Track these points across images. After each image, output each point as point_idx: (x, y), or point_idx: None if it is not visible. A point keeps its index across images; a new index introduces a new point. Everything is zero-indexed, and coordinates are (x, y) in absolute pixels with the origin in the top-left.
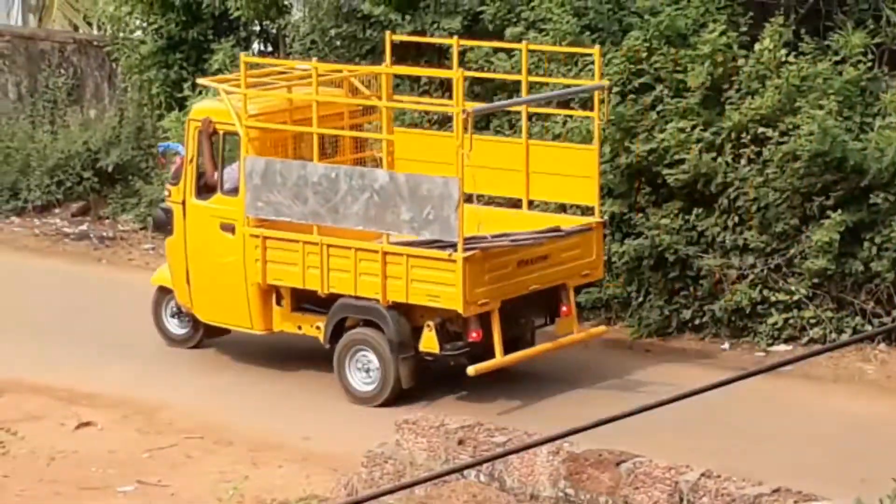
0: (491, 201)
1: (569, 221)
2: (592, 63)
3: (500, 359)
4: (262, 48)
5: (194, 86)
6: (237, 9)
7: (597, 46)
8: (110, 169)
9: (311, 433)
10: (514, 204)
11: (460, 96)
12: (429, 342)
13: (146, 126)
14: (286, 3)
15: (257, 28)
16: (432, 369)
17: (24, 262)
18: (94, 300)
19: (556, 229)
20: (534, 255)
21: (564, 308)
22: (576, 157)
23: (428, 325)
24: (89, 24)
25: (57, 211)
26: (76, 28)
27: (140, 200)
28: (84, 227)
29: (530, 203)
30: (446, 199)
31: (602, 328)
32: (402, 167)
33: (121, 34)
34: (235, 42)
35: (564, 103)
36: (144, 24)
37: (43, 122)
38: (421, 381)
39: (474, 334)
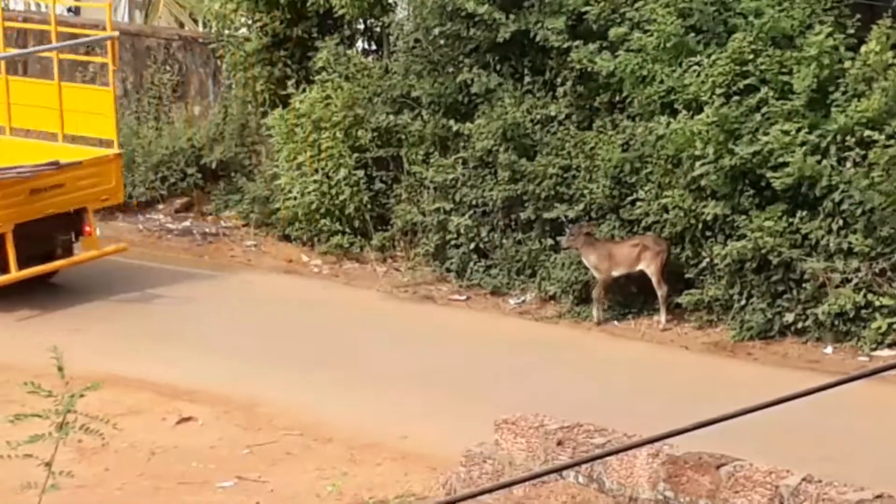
0: (30, 134)
1: (90, 153)
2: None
3: (14, 274)
4: (367, 46)
5: (298, 83)
6: (342, 6)
7: None
8: (214, 165)
9: (409, 432)
10: (52, 137)
11: None
12: None
13: (250, 123)
14: (390, 1)
15: (361, 26)
16: None
17: (128, 257)
18: (198, 295)
19: (55, 163)
20: (47, 184)
21: (87, 228)
22: (96, 98)
23: None
24: (195, 22)
25: (160, 207)
26: (182, 25)
27: (243, 197)
28: (187, 223)
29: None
30: None
31: (123, 245)
32: None
33: (226, 31)
34: (339, 40)
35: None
36: (249, 22)
37: (148, 118)
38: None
39: None
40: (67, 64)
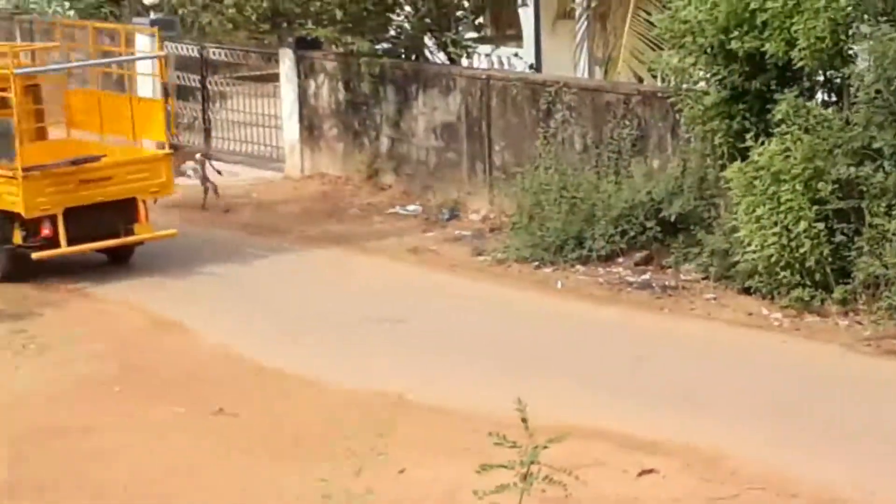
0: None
1: (145, 153)
2: None
3: (62, 249)
4: (826, 97)
5: (756, 136)
6: (801, 59)
7: None
8: (673, 219)
9: (877, 488)
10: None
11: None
12: (17, 237)
13: (708, 176)
14: (851, 52)
15: (821, 78)
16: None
17: (587, 310)
18: (655, 349)
19: (94, 158)
20: (95, 175)
21: (140, 216)
22: (151, 107)
23: (16, 225)
24: (654, 77)
25: (620, 260)
26: (641, 80)
27: (702, 250)
28: (646, 276)
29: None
30: (5, 136)
31: (173, 231)
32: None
33: (684, 85)
34: (799, 92)
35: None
36: (707, 76)
37: (607, 172)
38: None
39: (46, 231)
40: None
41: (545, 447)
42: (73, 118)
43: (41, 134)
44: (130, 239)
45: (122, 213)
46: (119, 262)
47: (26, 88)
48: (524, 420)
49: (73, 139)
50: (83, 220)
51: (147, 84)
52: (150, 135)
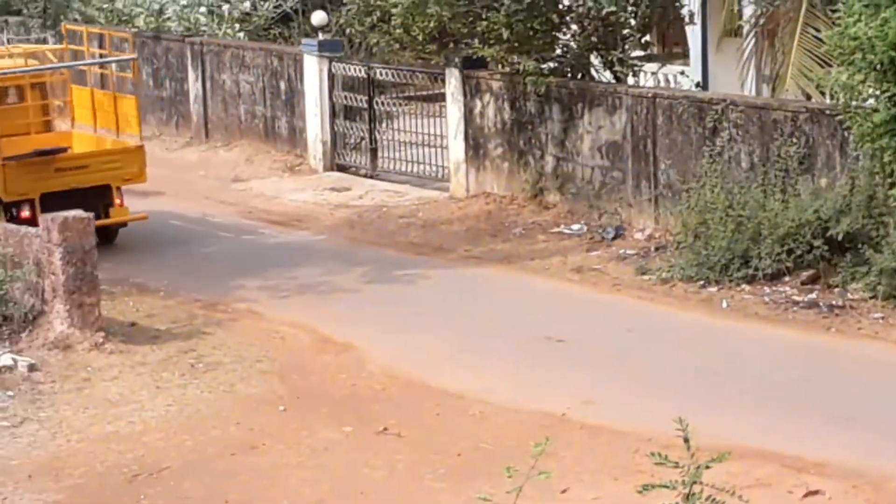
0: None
1: (118, 144)
2: None
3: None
4: None
5: None
6: None
7: None
8: (840, 237)
9: None
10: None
11: None
12: (1, 219)
13: (877, 195)
14: None
15: None
16: None
17: (753, 330)
18: (821, 369)
19: (60, 150)
20: (70, 164)
21: (118, 201)
22: (127, 104)
23: (1, 205)
24: (822, 94)
25: (786, 279)
26: (808, 97)
27: (870, 269)
28: (813, 295)
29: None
30: None
31: (143, 214)
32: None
33: (853, 103)
34: None
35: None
36: (877, 93)
37: (774, 190)
38: None
39: (25, 213)
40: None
41: (707, 467)
42: (74, 113)
43: (47, 126)
44: (107, 221)
45: (99, 198)
46: (104, 242)
47: (33, 86)
48: (686, 440)
49: (69, 132)
50: (62, 204)
51: None
52: (128, 129)
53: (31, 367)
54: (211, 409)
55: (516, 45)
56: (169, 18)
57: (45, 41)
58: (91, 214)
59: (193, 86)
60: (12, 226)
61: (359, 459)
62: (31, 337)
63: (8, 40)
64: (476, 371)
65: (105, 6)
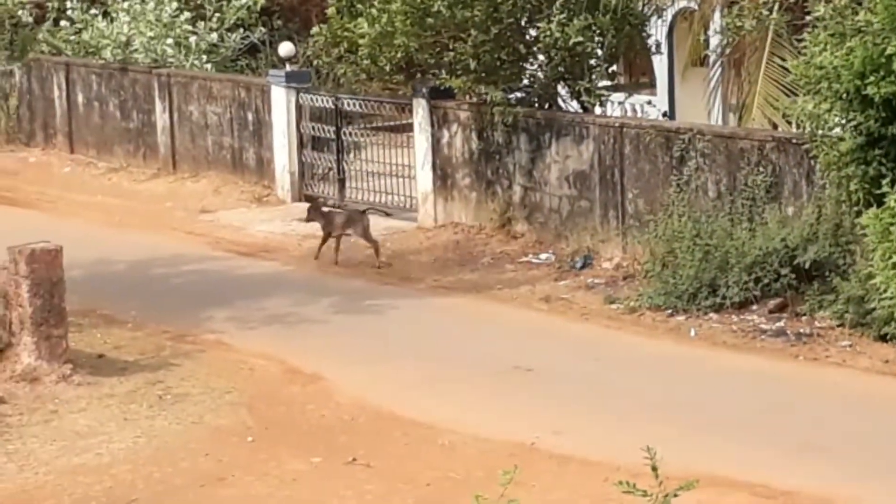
0: None
1: None
2: None
3: None
4: None
5: (892, 181)
6: None
7: None
8: (807, 265)
9: None
10: None
11: None
12: None
13: (844, 223)
14: None
15: None
16: None
17: (721, 358)
18: (789, 397)
19: None
20: None
21: None
22: None
23: None
24: (788, 123)
25: (754, 307)
26: (775, 126)
27: (837, 297)
28: (781, 323)
29: None
30: None
31: None
32: None
33: (819, 131)
34: None
35: None
36: (843, 122)
37: (741, 219)
38: None
39: None
40: None
41: (676, 495)
42: None
43: None
44: None
45: None
46: None
47: None
48: (654, 468)
49: None
50: None
51: None
52: None
53: None
54: (179, 440)
55: (483, 75)
56: (136, 50)
57: (11, 73)
58: (60, 246)
59: (161, 117)
60: None
61: (328, 489)
62: None
63: None
64: (445, 401)
65: (72, 38)
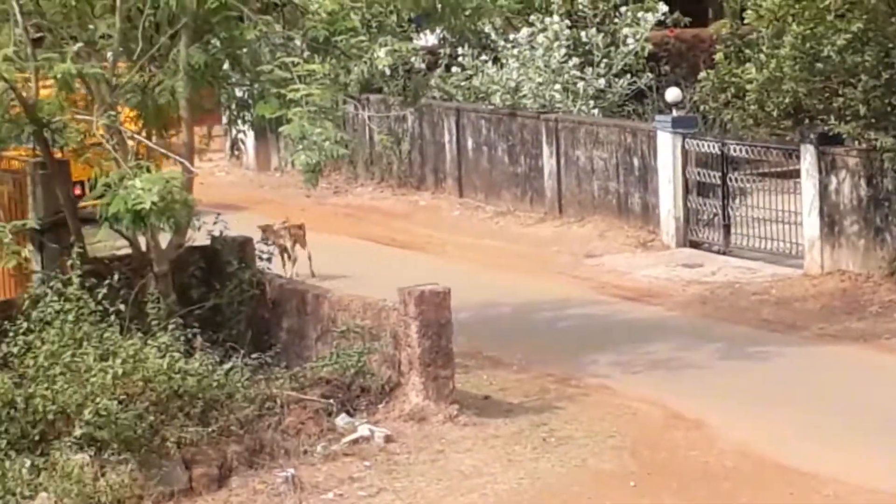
0: None
1: None
2: None
3: None
4: None
5: None
6: None
7: None
8: None
9: None
10: None
11: None
12: None
13: None
14: None
15: None
16: None
17: None
18: None
19: None
20: None
21: None
22: None
23: None
24: None
25: None
26: None
27: None
28: None
29: None
30: None
31: None
32: None
33: None
34: None
35: None
36: None
37: None
38: None
39: None
40: None
41: None
42: None
43: None
44: None
45: None
46: None
47: None
48: None
49: None
50: None
51: None
52: None
53: (388, 438)
54: (562, 483)
55: (873, 121)
56: (524, 96)
57: (404, 118)
58: (448, 288)
59: (548, 162)
60: (371, 299)
61: None
62: (388, 408)
63: (368, 118)
64: (829, 450)
65: (463, 83)
